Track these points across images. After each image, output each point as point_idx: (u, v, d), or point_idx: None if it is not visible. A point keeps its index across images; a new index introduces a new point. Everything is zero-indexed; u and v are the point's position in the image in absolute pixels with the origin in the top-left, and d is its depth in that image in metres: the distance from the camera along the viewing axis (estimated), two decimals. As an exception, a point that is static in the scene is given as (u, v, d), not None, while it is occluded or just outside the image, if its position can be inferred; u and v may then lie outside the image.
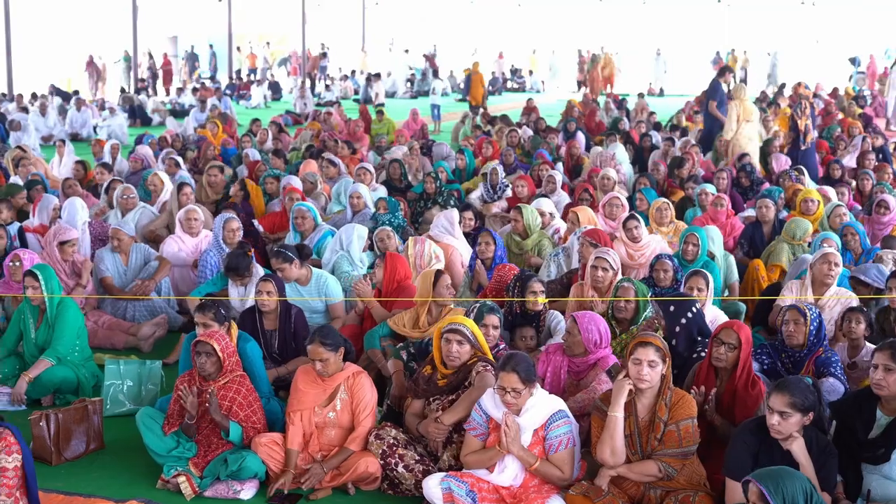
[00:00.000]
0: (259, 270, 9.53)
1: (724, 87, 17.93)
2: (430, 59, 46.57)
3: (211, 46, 46.60)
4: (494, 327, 7.35)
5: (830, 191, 13.13)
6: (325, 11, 54.22)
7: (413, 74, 45.40)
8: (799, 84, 29.71)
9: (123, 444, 7.43)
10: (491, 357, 6.94)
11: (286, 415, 6.90)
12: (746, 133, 18.32)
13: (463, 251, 10.69)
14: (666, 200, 11.81)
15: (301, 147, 18.96)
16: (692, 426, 6.07)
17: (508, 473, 6.17)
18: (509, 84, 48.56)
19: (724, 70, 18.51)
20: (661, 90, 44.62)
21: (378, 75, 38.49)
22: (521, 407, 6.12)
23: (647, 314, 7.95)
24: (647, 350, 6.06)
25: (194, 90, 34.25)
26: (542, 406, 6.16)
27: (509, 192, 14.19)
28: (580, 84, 45.81)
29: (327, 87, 40.70)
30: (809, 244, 10.52)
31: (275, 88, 40.30)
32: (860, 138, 17.82)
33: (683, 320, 7.33)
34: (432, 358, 6.93)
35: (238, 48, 46.67)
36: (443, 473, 6.27)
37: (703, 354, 7.06)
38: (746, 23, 53.16)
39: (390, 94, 41.96)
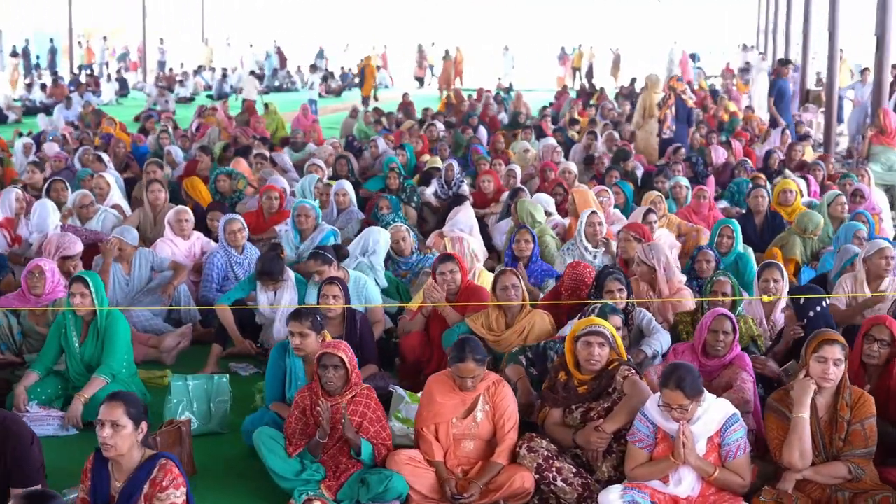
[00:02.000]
0: (291, 274, 8.92)
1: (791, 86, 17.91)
2: (280, 53, 45.65)
3: (52, 41, 44.44)
4: (617, 329, 6.99)
5: (801, 181, 13.24)
6: (159, 2, 52.51)
7: (262, 70, 44.34)
8: (672, 77, 30.25)
9: (215, 468, 6.78)
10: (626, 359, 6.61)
11: (417, 429, 6.40)
12: (648, 128, 18.51)
13: (476, 249, 10.30)
14: (659, 193, 11.69)
15: (213, 145, 18.10)
16: (874, 424, 5.89)
17: (686, 485, 5.85)
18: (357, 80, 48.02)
19: (784, 63, 18.52)
20: (511, 86, 44.82)
21: (230, 70, 37.49)
22: (692, 417, 5.81)
23: (740, 310, 7.76)
24: (834, 348, 5.86)
25: (42, 87, 32.59)
26: (714, 412, 5.86)
27: (465, 188, 13.84)
28: (420, 80, 45.81)
29: (181, 82, 39.29)
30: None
31: (122, 84, 38.69)
32: (779, 131, 18.14)
33: (811, 314, 7.15)
34: (563, 363, 6.54)
35: (80, 43, 44.68)
36: (620, 486, 5.88)
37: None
38: (592, 18, 54.06)
39: (238, 90, 40.90)
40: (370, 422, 6.32)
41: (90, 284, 7.54)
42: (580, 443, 6.28)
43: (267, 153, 15.50)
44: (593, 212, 9.99)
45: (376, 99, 34.17)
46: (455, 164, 14.15)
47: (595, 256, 9.85)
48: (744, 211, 12.14)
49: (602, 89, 31.50)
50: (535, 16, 55.42)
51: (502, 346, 7.74)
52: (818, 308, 7.20)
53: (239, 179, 13.25)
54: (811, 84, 27.76)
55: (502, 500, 6.21)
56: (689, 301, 8.30)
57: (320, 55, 48.16)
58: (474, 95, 28.84)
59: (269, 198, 11.50)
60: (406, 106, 26.58)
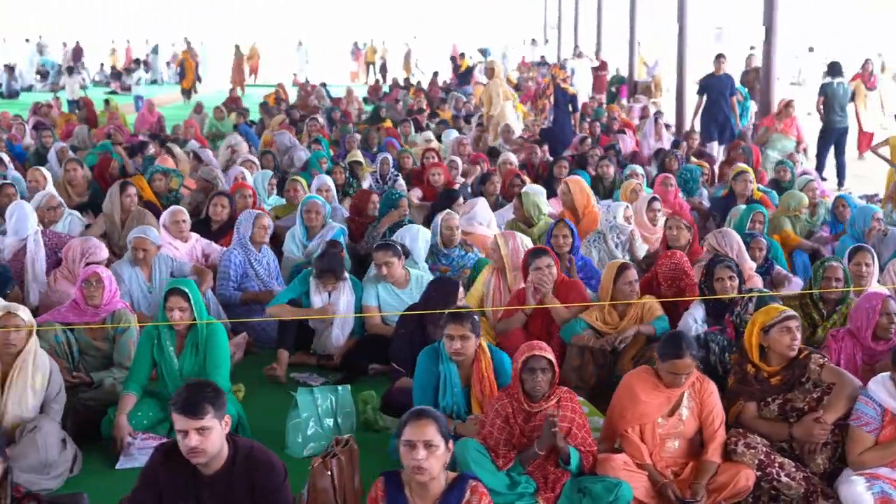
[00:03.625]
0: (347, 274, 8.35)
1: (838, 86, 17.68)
2: (77, 51, 43.36)
3: None
4: None
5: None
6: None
7: (43, 66, 41.94)
8: (554, 65, 30.51)
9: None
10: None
11: (620, 431, 6.01)
12: (507, 111, 18.61)
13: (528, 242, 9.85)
14: (639, 183, 11.58)
15: (83, 145, 16.84)
16: None
17: (923, 469, 5.73)
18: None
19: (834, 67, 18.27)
20: (307, 80, 44.16)
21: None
22: None
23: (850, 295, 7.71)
24: None
25: None
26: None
27: (401, 182, 13.36)
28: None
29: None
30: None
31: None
32: (651, 120, 18.45)
33: None
34: (745, 356, 6.30)
35: None
36: (862, 477, 5.70)
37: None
38: (384, 13, 53.89)
39: (27, 88, 38.72)
40: (578, 427, 5.88)
41: (190, 296, 6.74)
42: (799, 435, 6.04)
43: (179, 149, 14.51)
44: (627, 206, 9.83)
45: (195, 91, 32.95)
46: (389, 157, 13.63)
47: (618, 247, 9.67)
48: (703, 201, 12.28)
49: (419, 83, 31.50)
50: (328, 10, 54.77)
51: (618, 341, 7.45)
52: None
53: (173, 178, 12.33)
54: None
55: (723, 500, 5.90)
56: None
57: (155, 50, 45.80)
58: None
59: (242, 196, 10.73)
60: (234, 102, 25.72)
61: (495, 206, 11.70)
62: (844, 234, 9.99)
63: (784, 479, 5.86)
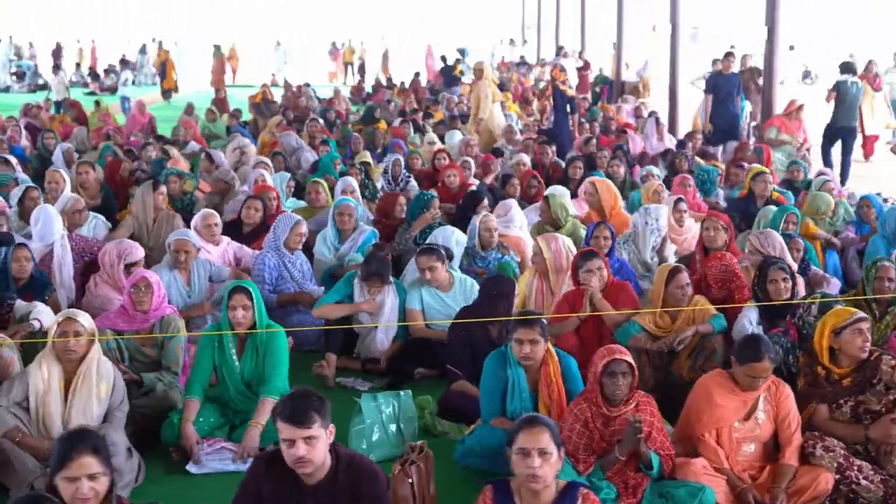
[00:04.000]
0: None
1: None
2: (57, 50, 42.96)
3: None
4: None
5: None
6: None
7: (19, 67, 41.52)
8: (555, 67, 30.46)
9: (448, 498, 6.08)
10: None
11: (696, 435, 5.97)
12: (496, 111, 18.56)
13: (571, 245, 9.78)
14: (661, 183, 11.55)
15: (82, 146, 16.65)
16: None
17: None
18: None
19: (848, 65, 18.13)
20: (285, 80, 43.96)
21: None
22: None
23: None
24: None
25: None
26: None
27: (413, 184, 13.29)
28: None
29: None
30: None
31: None
32: (653, 121, 18.49)
33: None
34: (814, 358, 6.29)
35: None
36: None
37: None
38: (362, 13, 53.72)
39: (3, 89, 38.37)
40: (657, 431, 5.84)
41: (253, 295, 6.65)
42: (876, 437, 6.04)
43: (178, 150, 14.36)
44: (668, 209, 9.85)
45: (176, 91, 32.76)
46: (401, 159, 13.54)
47: (652, 249, 9.64)
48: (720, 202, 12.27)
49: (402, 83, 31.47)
50: (306, 10, 54.52)
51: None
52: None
53: (187, 180, 12.21)
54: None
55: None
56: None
57: (143, 50, 45.34)
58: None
59: (268, 199, 10.59)
60: (221, 102, 25.53)
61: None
62: (875, 235, 9.99)
63: (863, 482, 5.83)
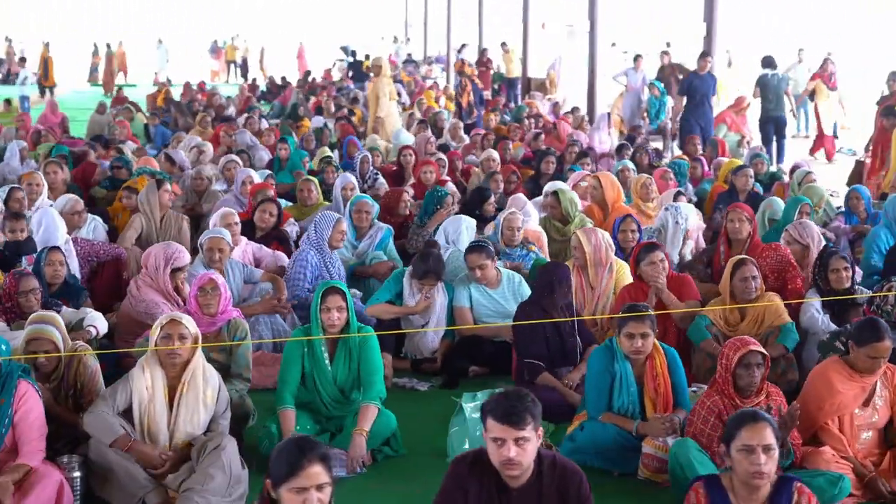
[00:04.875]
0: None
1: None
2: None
3: None
4: None
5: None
6: None
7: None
8: (463, 62, 30.37)
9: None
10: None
11: (818, 423, 5.98)
12: (394, 111, 18.48)
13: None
14: (649, 176, 11.60)
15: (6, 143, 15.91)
16: None
17: None
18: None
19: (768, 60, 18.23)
20: (168, 79, 43.03)
21: None
22: None
23: None
24: None
25: None
26: None
27: (381, 181, 13.10)
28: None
29: None
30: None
31: None
32: (605, 116, 18.65)
33: None
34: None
35: None
36: None
37: None
38: (241, 11, 52.88)
39: None
40: (788, 421, 5.83)
41: (347, 297, 6.43)
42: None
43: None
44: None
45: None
46: (369, 156, 13.34)
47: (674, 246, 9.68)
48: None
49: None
50: (186, 8, 53.41)
51: (738, 338, 7.45)
52: None
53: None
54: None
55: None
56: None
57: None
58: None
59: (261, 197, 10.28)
60: (121, 102, 24.87)
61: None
62: (878, 225, 10.11)
63: (980, 462, 5.92)
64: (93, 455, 5.73)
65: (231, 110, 22.73)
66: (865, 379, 5.96)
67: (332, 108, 22.29)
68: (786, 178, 12.95)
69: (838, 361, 6.07)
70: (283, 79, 33.65)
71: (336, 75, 36.82)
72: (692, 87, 16.64)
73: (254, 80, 37.42)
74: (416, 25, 48.57)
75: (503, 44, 30.49)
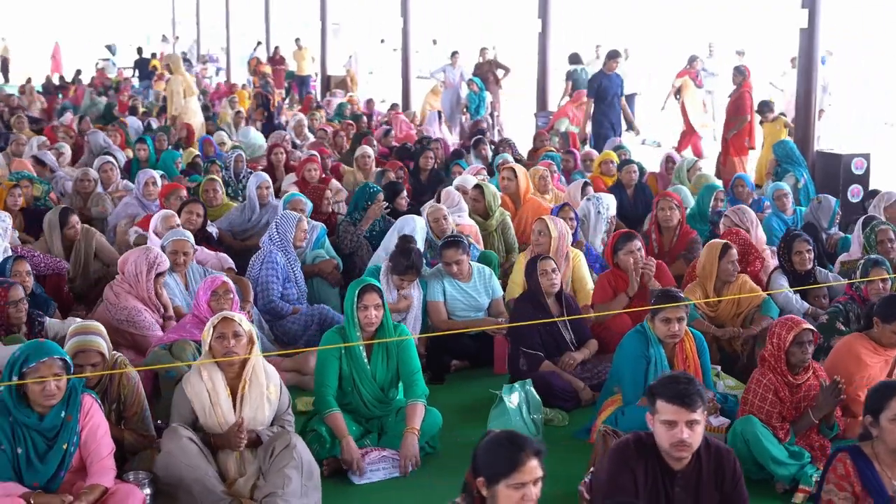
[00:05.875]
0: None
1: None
2: None
3: None
4: (883, 281, 7.34)
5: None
6: None
7: None
8: (260, 62, 29.60)
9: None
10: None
11: (851, 396, 6.31)
12: (192, 107, 18.27)
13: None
14: (546, 168, 11.79)
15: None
16: None
17: None
18: None
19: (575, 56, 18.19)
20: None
21: None
22: None
23: None
24: None
25: None
26: None
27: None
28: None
29: None
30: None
31: None
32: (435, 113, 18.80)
33: None
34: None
35: None
36: None
37: None
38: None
39: None
40: (833, 395, 6.13)
41: (382, 294, 6.31)
42: None
43: None
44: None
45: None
46: (243, 154, 13.03)
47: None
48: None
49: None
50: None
51: (720, 319, 7.76)
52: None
53: (36, 185, 11.13)
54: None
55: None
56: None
57: None
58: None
59: (177, 198, 9.89)
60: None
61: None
62: (768, 214, 10.53)
63: None
64: (160, 471, 5.40)
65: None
66: (889, 352, 6.33)
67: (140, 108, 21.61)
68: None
69: (862, 337, 6.41)
70: (62, 78, 32.16)
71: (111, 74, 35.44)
72: (602, 87, 16.17)
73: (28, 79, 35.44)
74: (183, 23, 47.28)
75: (297, 40, 30.18)
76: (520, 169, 10.84)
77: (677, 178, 12.20)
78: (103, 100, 24.53)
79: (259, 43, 32.30)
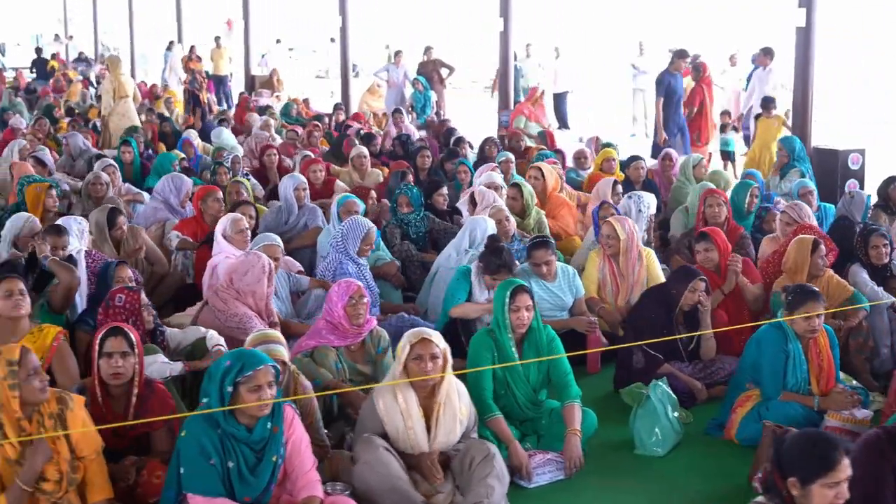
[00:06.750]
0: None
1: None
2: None
3: None
4: None
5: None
6: None
7: None
8: (190, 59, 28.84)
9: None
10: None
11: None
12: (120, 110, 17.63)
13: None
14: (540, 163, 11.71)
15: None
16: None
17: None
18: None
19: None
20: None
21: None
22: None
23: None
24: None
25: None
26: None
27: (253, 181, 12.62)
28: None
29: None
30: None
31: None
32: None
33: None
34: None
35: None
36: None
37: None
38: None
39: None
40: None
41: (532, 295, 6.25)
42: None
43: None
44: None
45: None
46: (240, 154, 12.82)
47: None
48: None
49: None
50: None
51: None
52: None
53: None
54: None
55: None
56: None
57: None
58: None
59: (215, 200, 9.64)
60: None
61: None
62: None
63: None
64: (358, 482, 5.25)
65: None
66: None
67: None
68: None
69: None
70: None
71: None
72: (670, 87, 15.27)
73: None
74: (75, 21, 46.08)
75: (217, 38, 29.63)
76: (546, 168, 10.82)
77: (683, 175, 12.27)
78: (20, 100, 23.70)
79: (172, 42, 31.60)
